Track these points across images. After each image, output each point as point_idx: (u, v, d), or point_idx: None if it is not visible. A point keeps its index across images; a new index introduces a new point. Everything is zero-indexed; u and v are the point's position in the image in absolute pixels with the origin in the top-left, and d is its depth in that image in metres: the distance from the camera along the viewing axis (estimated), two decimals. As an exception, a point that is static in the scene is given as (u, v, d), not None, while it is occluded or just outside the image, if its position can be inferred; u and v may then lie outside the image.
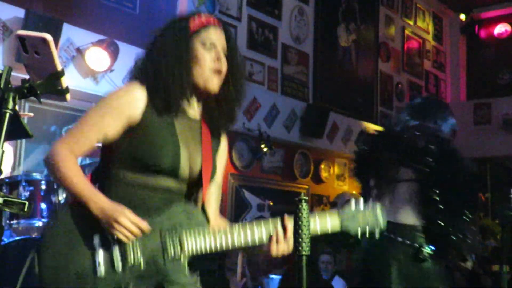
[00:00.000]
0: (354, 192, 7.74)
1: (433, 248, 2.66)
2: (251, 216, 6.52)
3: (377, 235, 1.85)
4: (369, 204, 1.87)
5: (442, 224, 2.65)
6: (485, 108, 9.13)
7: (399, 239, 2.70)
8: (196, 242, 1.71)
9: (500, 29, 9.29)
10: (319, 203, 7.60)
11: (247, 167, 6.48)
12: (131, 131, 1.74)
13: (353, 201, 1.86)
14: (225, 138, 1.98)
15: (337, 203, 7.48)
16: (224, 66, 1.79)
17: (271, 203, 6.81)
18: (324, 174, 7.54)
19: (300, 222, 1.60)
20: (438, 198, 2.66)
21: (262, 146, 6.24)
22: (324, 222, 1.80)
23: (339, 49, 7.78)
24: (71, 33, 4.81)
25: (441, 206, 2.65)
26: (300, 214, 1.61)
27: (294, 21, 7.18)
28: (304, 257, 1.60)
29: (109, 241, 1.66)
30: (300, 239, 1.60)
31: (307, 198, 1.64)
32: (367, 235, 1.85)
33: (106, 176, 1.80)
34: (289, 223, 1.73)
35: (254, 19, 6.63)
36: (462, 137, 8.91)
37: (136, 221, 1.64)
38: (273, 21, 6.90)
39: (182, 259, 1.70)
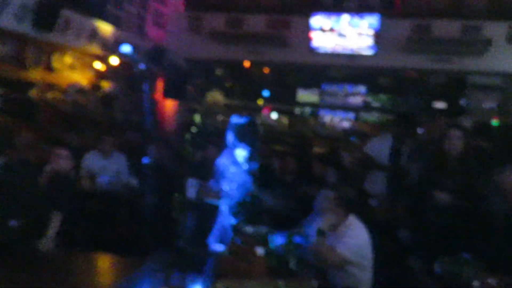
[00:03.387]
0: (84, 82, 7.53)
1: None
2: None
3: None
4: None
5: None
6: (197, 20, 9.57)
7: None
8: None
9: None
10: (51, 89, 7.16)
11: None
12: None
13: None
14: None
15: (68, 91, 7.20)
16: None
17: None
18: (56, 65, 7.06)
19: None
20: None
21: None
22: None
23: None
24: None
25: None
26: None
27: None
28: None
29: None
30: None
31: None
32: None
33: None
34: None
35: None
36: (179, 41, 9.37)
37: None
38: None
39: None
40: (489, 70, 8.37)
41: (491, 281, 2.53)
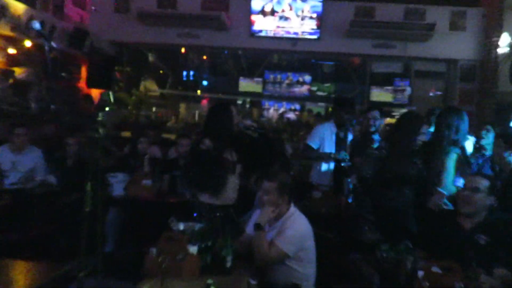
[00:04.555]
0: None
1: None
2: None
3: None
4: None
5: None
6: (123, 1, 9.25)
7: None
8: None
9: None
10: None
11: None
12: None
13: None
14: None
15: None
16: None
17: None
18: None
19: None
20: None
21: None
22: None
23: None
24: None
25: None
26: None
27: None
28: None
29: None
30: None
31: None
32: None
33: None
34: None
35: None
36: (104, 23, 9.03)
37: None
38: None
39: None
40: (433, 56, 8.78)
41: (435, 269, 2.63)
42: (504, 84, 8.02)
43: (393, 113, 9.82)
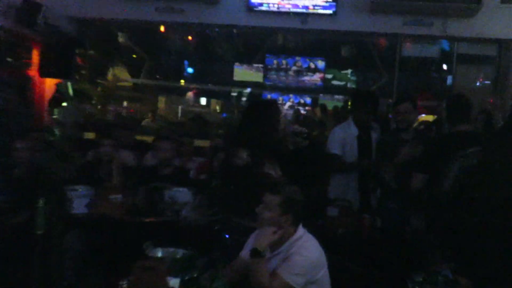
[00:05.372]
0: None
1: None
2: None
3: None
4: None
5: None
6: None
7: None
8: None
9: None
10: None
11: None
12: None
13: None
14: None
15: None
16: None
17: None
18: None
19: None
20: None
21: None
22: None
23: None
24: None
25: None
26: None
27: None
28: None
29: None
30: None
31: None
32: None
33: None
34: None
35: None
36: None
37: None
38: None
39: None
40: (480, 36, 8.80)
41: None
42: None
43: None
